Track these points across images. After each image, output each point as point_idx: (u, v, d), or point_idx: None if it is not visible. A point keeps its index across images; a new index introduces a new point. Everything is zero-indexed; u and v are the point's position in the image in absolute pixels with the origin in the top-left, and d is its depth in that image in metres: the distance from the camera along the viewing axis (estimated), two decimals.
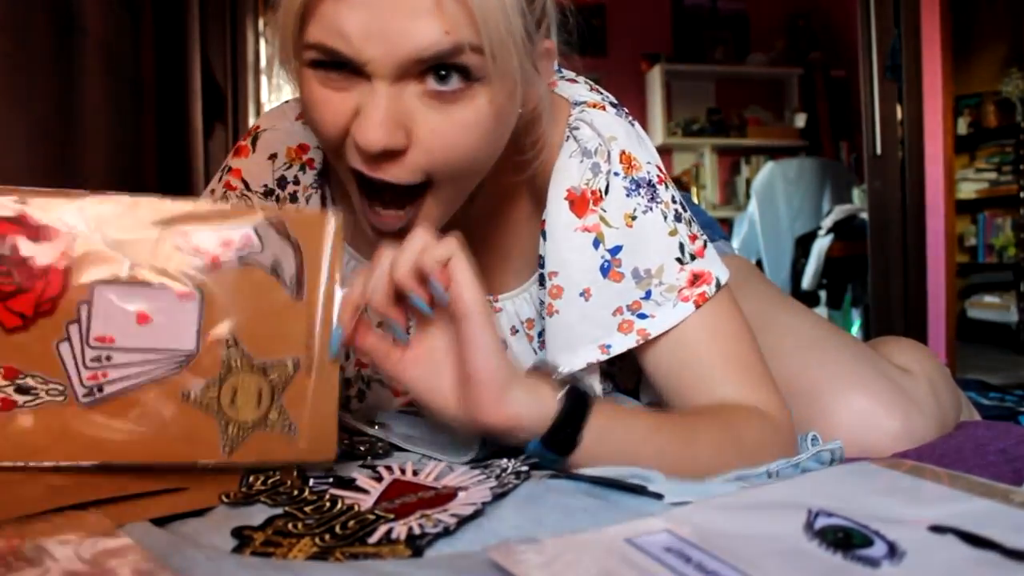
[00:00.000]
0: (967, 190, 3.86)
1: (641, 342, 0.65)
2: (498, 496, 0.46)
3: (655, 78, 4.50)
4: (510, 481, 0.49)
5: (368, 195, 0.57)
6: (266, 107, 2.38)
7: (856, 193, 3.55)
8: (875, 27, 2.56)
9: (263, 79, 2.53)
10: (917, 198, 2.55)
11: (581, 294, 0.65)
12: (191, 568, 0.36)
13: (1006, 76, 3.75)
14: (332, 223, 0.53)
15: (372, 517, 0.43)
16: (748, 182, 4.44)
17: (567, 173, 0.65)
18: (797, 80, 4.69)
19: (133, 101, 1.91)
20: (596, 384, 0.68)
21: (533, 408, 0.51)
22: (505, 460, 0.55)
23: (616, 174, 0.65)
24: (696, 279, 0.65)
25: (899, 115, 2.55)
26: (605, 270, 0.65)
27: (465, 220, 0.68)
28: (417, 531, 0.41)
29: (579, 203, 0.65)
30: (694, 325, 0.64)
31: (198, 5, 2.28)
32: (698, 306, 0.64)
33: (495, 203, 0.70)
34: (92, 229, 0.49)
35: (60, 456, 0.48)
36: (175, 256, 0.50)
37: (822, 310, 3.36)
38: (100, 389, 0.48)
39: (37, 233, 0.48)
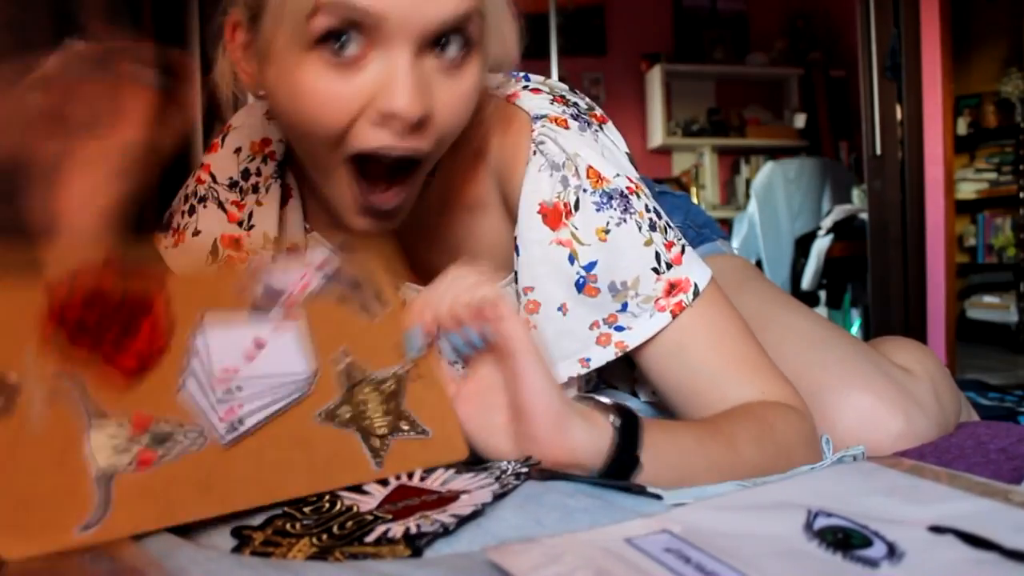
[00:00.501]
0: (967, 190, 3.86)
1: (620, 354, 0.65)
2: (498, 497, 0.46)
3: (655, 78, 4.50)
4: (510, 482, 0.49)
5: (367, 180, 0.58)
6: None
7: (856, 193, 3.55)
8: (875, 27, 2.56)
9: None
10: (917, 198, 2.55)
11: (559, 309, 0.65)
12: (191, 568, 0.36)
13: (1005, 76, 3.75)
14: (385, 250, 0.56)
15: (370, 518, 0.43)
16: (748, 182, 4.44)
17: (537, 187, 0.64)
18: (797, 80, 4.69)
19: None
20: (572, 393, 0.69)
21: (589, 437, 0.50)
22: (505, 462, 0.55)
23: (585, 190, 0.64)
24: (673, 288, 0.64)
25: (899, 115, 2.55)
26: (580, 285, 0.64)
27: (430, 222, 0.69)
28: (414, 531, 0.41)
29: (552, 216, 0.64)
30: (690, 329, 0.64)
31: (198, 5, 2.28)
32: (675, 315, 0.63)
33: (454, 200, 0.70)
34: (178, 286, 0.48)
35: (211, 509, 0.43)
36: (264, 291, 0.51)
37: (822, 310, 3.36)
38: (240, 422, 0.46)
39: (129, 277, 0.47)
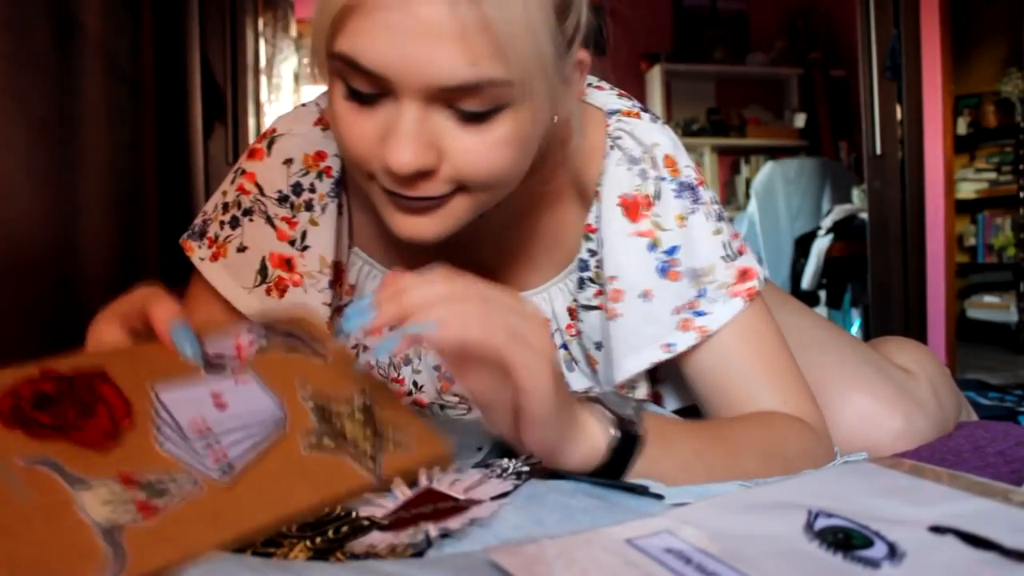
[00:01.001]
0: (967, 190, 3.86)
1: (701, 339, 0.66)
2: (494, 498, 0.46)
3: (655, 78, 4.50)
4: (511, 481, 0.49)
5: (400, 208, 0.56)
6: (266, 107, 2.38)
7: (856, 193, 3.55)
8: (875, 27, 2.55)
9: (263, 79, 2.53)
10: (917, 198, 2.55)
11: (641, 296, 0.66)
12: (192, 567, 0.36)
13: (1005, 76, 3.75)
14: (317, 316, 0.55)
15: (366, 523, 0.43)
16: (748, 182, 4.44)
17: (617, 181, 0.66)
18: (797, 80, 4.69)
19: (133, 101, 1.91)
20: (644, 387, 0.70)
21: (581, 460, 0.50)
22: (506, 460, 0.55)
23: (663, 179, 0.66)
24: (743, 275, 0.67)
25: (899, 115, 2.55)
26: (663, 271, 0.66)
27: (487, 221, 0.69)
28: (400, 547, 0.40)
29: (632, 209, 0.66)
30: (733, 329, 0.65)
31: (198, 5, 2.28)
32: (750, 299, 0.66)
33: (520, 208, 0.70)
34: (118, 366, 0.47)
35: (227, 536, 0.40)
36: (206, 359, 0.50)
37: (822, 310, 3.36)
38: (231, 466, 0.44)
39: (70, 372, 0.45)
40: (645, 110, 0.69)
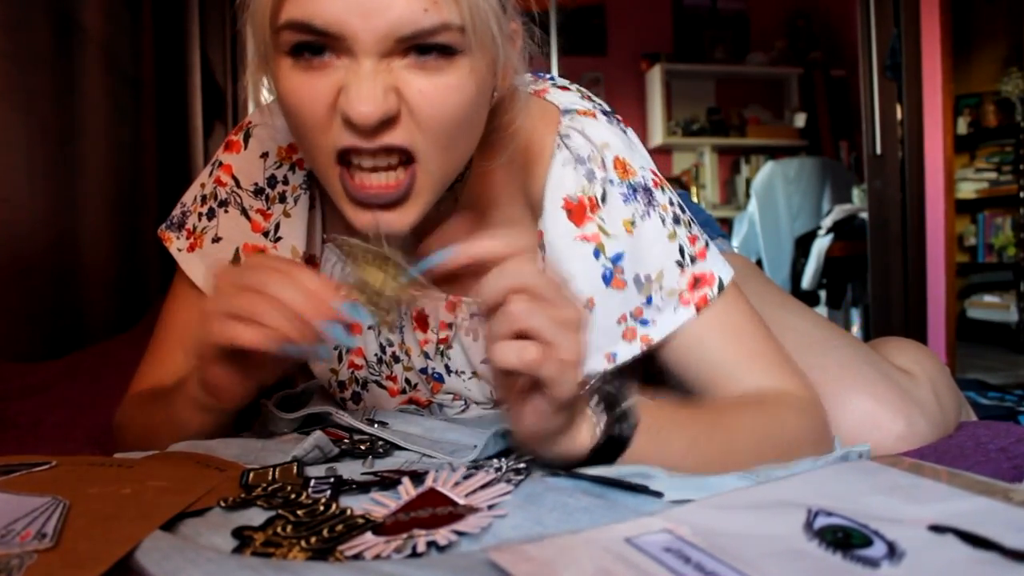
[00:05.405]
0: (967, 190, 3.86)
1: (645, 349, 0.65)
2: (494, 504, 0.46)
3: (655, 78, 4.50)
4: (510, 478, 0.49)
5: (360, 194, 0.55)
6: None
7: (856, 193, 3.55)
8: (875, 27, 2.56)
9: (263, 78, 2.54)
10: (917, 198, 2.55)
11: (584, 304, 0.65)
12: (191, 568, 0.36)
13: (1006, 76, 3.75)
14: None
15: (361, 522, 0.43)
16: (748, 182, 4.44)
17: (561, 182, 0.65)
18: (797, 80, 4.69)
19: (133, 101, 1.91)
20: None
21: (563, 448, 0.51)
22: (497, 460, 0.55)
23: (611, 181, 0.64)
24: (697, 282, 0.65)
25: (899, 115, 2.55)
26: (608, 279, 0.65)
27: (451, 219, 0.68)
28: (384, 555, 0.40)
29: (577, 211, 0.64)
30: (710, 324, 0.65)
31: (198, 5, 2.28)
32: (699, 309, 0.64)
33: (481, 203, 0.70)
34: None
35: None
36: None
37: (822, 310, 3.36)
38: None
39: None
40: (606, 112, 0.68)
